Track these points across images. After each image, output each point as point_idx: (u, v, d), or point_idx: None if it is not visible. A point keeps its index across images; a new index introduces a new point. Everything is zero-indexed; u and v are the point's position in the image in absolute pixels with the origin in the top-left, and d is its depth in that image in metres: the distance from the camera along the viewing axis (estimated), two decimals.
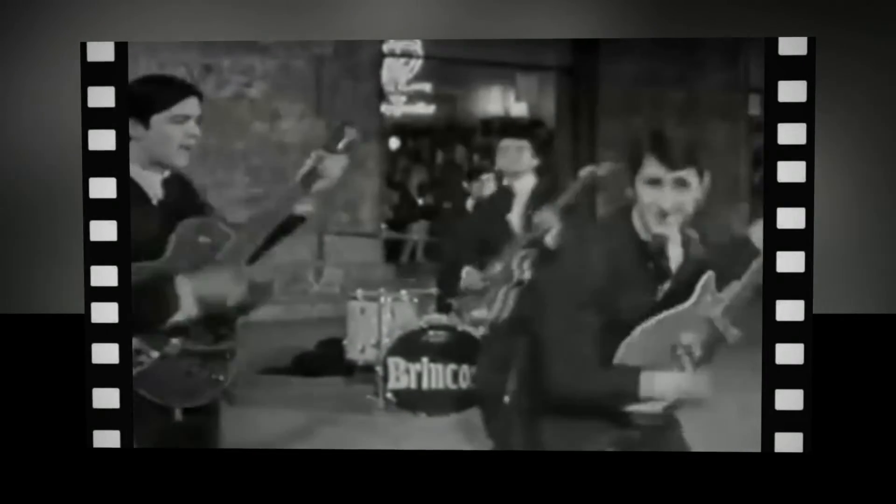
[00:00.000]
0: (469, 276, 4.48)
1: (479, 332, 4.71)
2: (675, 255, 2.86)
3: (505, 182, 4.32)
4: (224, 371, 3.01)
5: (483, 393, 4.37)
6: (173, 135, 2.90)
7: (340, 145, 3.01)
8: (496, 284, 4.30)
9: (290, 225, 3.05)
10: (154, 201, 2.95)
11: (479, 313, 4.40)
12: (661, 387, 2.83)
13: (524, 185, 4.22)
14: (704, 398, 2.87)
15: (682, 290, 2.86)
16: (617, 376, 2.82)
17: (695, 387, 2.85)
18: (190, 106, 2.93)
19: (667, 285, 2.86)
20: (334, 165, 2.99)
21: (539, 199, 4.19)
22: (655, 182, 2.78)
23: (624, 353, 2.81)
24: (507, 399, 4.98)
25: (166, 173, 2.95)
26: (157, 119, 2.90)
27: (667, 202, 2.78)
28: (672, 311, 2.83)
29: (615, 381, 2.83)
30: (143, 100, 2.93)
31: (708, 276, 2.83)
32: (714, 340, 2.85)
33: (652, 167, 2.79)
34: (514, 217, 4.25)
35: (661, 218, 2.79)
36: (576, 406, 2.88)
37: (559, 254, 3.94)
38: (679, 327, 2.84)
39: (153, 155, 2.92)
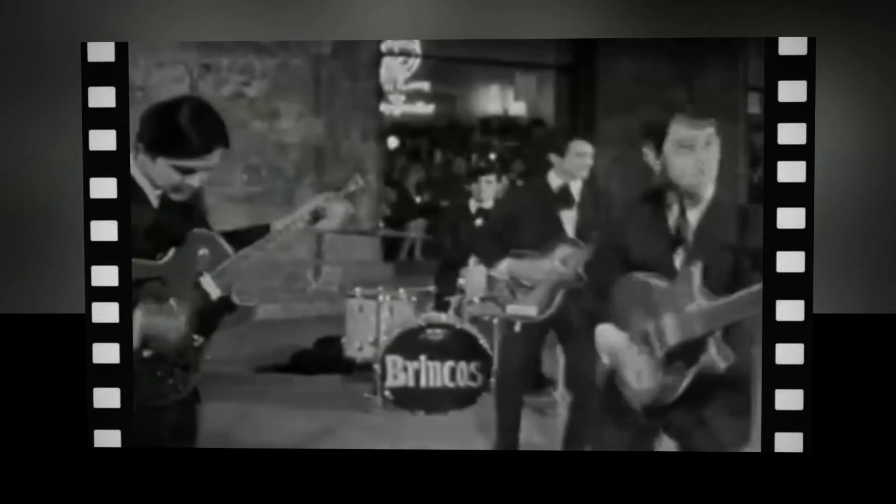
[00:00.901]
0: (520, 266, 4.38)
1: (516, 327, 4.62)
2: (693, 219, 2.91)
3: (562, 181, 4.29)
4: (185, 382, 3.16)
5: (504, 388, 4.40)
6: (174, 179, 2.97)
7: (348, 190, 3.16)
8: (548, 283, 4.27)
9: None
10: (154, 204, 3.00)
11: (528, 310, 4.35)
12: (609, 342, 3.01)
13: (577, 188, 4.24)
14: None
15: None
16: None
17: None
18: (208, 160, 2.98)
19: (681, 253, 2.89)
20: (338, 209, 3.14)
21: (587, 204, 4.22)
22: (688, 146, 2.82)
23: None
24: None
25: (158, 190, 3.01)
26: (163, 162, 2.95)
27: (702, 161, 2.83)
28: (653, 276, 2.92)
29: None
30: (169, 140, 2.97)
31: (697, 267, 2.85)
32: (694, 347, 2.88)
33: (681, 130, 2.82)
34: (568, 218, 4.26)
35: (700, 175, 2.86)
36: None
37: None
38: (655, 302, 2.89)
39: (153, 180, 2.98)
